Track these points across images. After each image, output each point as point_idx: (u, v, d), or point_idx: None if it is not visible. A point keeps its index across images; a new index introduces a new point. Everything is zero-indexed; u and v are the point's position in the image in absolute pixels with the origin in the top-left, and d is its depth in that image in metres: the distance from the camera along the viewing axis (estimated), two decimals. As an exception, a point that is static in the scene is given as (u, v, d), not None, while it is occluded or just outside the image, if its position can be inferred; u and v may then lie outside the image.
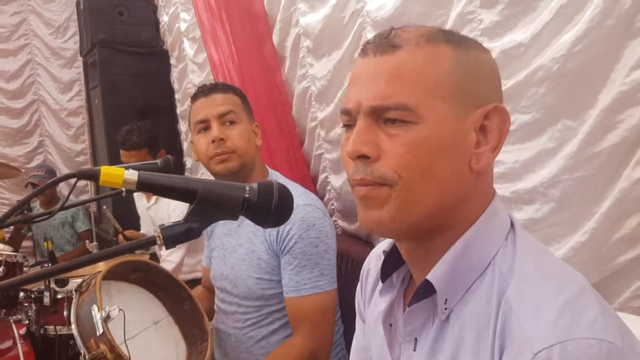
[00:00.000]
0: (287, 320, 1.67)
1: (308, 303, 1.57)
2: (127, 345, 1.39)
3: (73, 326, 1.44)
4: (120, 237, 2.76)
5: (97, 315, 1.39)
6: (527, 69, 1.37)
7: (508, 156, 1.45)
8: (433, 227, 0.73)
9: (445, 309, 0.72)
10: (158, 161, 1.73)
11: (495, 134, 0.72)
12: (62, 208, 1.55)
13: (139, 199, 3.10)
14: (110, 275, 1.64)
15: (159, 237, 0.77)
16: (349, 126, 0.76)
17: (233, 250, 1.72)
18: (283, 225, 1.56)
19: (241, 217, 1.68)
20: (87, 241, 2.71)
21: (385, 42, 0.72)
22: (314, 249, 1.57)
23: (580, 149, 1.27)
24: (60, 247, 4.38)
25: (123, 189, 1.80)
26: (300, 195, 1.64)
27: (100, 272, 1.56)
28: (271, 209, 0.79)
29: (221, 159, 1.63)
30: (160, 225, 0.77)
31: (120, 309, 1.38)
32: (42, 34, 5.01)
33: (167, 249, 0.78)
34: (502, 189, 1.45)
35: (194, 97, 1.70)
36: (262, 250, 1.62)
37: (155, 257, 3.06)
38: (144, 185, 0.79)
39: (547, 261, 0.71)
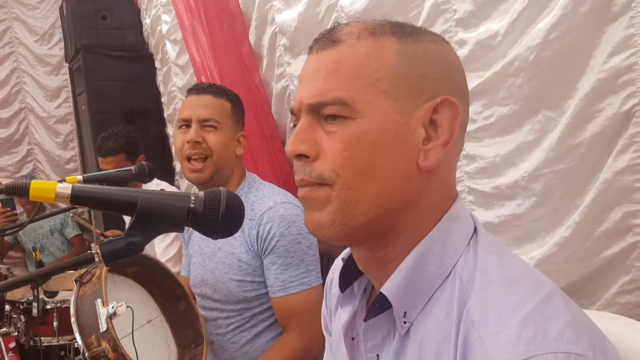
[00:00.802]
0: (270, 322, 1.64)
1: (296, 301, 1.54)
2: (135, 345, 1.31)
3: (72, 319, 1.34)
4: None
5: (102, 310, 1.26)
6: (503, 59, 1.33)
7: (488, 150, 1.41)
8: (380, 231, 0.69)
9: (405, 322, 0.68)
10: (132, 167, 1.69)
11: (446, 128, 0.67)
12: (31, 221, 1.52)
13: None
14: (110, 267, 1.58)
15: (97, 253, 0.72)
16: (295, 125, 0.72)
17: (212, 254, 1.68)
18: (263, 225, 1.53)
19: None
20: (92, 244, 2.65)
21: (327, 38, 0.69)
22: (297, 246, 1.54)
23: (561, 140, 1.23)
24: (52, 254, 4.34)
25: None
26: (277, 194, 1.62)
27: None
28: (218, 219, 0.74)
29: (193, 167, 1.60)
30: (98, 241, 0.72)
31: (128, 306, 1.28)
32: (27, 41, 4.95)
33: (107, 266, 0.74)
34: (482, 184, 1.41)
35: (188, 92, 1.69)
36: (242, 252, 1.59)
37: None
38: (78, 199, 0.74)
39: (511, 267, 0.66)
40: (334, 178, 0.66)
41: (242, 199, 1.60)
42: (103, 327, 1.26)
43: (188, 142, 1.59)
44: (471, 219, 0.72)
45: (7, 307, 2.47)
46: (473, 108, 1.44)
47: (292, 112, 0.72)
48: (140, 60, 4.31)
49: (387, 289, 0.68)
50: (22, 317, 2.57)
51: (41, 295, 2.61)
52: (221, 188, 0.78)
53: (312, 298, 1.55)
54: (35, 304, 2.56)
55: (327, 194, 0.67)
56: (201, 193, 0.76)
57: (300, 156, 0.68)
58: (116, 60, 4.22)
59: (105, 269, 1.41)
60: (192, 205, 0.75)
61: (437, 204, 0.69)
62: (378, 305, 0.69)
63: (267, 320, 1.65)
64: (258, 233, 1.55)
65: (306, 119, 0.69)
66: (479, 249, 0.68)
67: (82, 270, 1.49)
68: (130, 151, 2.85)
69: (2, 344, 2.33)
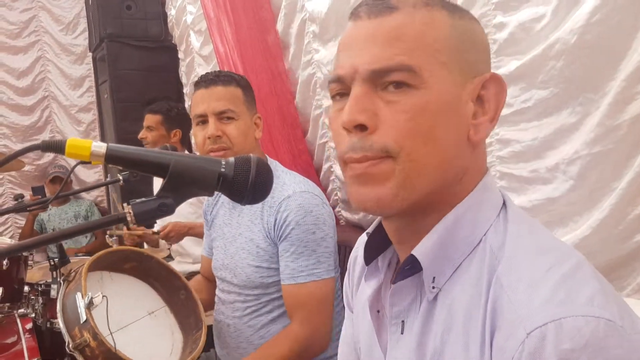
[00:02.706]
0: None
1: (304, 291, 1.53)
2: (112, 333, 1.34)
3: (59, 315, 1.41)
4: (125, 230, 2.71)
5: (80, 301, 1.35)
6: (544, 42, 1.32)
7: (525, 134, 1.40)
8: (431, 203, 0.68)
9: (433, 287, 0.67)
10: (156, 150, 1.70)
11: (493, 104, 0.67)
12: (56, 197, 1.51)
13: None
14: (102, 266, 1.61)
15: (129, 213, 0.70)
16: (341, 95, 0.69)
17: (233, 240, 1.69)
18: (280, 213, 1.53)
19: (240, 207, 1.66)
20: (107, 235, 2.68)
21: (381, 4, 0.66)
22: (311, 236, 1.53)
23: (601, 122, 1.22)
24: (76, 240, 4.39)
25: (120, 177, 1.78)
26: (298, 182, 1.61)
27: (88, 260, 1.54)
28: (248, 185, 0.73)
29: (216, 156, 1.59)
30: (130, 201, 0.71)
31: (104, 296, 1.34)
32: (52, 30, 5.00)
33: (138, 226, 0.72)
34: (517, 169, 1.39)
35: (196, 86, 1.66)
36: (260, 239, 1.60)
37: (171, 257, 3.02)
38: (112, 158, 0.72)
39: (541, 237, 0.66)
40: (397, 150, 0.63)
41: None
42: (83, 317, 1.33)
43: (209, 138, 1.60)
44: (500, 192, 0.72)
45: (26, 289, 2.48)
46: (510, 92, 1.42)
47: (339, 80, 0.68)
48: (163, 51, 4.34)
49: (419, 250, 0.67)
50: (40, 299, 2.59)
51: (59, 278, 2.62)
52: (251, 155, 0.77)
53: (321, 290, 1.54)
54: (54, 286, 2.58)
55: (390, 167, 0.64)
56: (232, 159, 0.75)
57: (358, 127, 0.65)
58: (139, 50, 4.26)
59: (86, 265, 1.47)
60: (222, 170, 0.74)
61: (475, 177, 0.70)
62: (408, 267, 0.69)
63: (284, 307, 1.64)
64: (275, 220, 1.56)
65: (362, 87, 0.65)
66: (509, 219, 0.68)
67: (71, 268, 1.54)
68: (168, 118, 3.02)
69: (20, 324, 2.33)
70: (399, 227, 0.72)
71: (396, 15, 0.65)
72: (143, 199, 0.72)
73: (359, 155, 0.65)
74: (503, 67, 1.43)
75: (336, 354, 1.51)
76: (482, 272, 0.64)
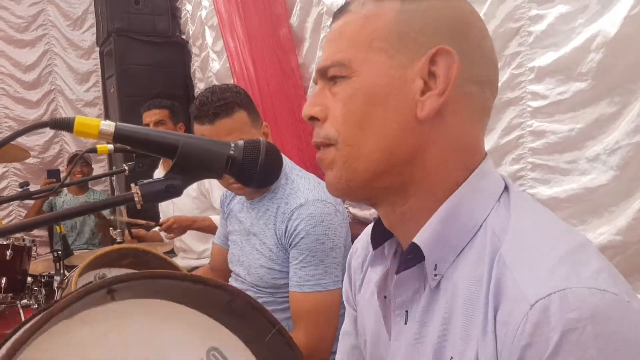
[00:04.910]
0: None
1: (310, 300, 1.51)
2: None
3: None
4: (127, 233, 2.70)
5: None
6: (584, 35, 1.31)
7: (560, 126, 1.39)
8: (391, 186, 0.69)
9: (436, 275, 0.67)
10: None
11: (442, 77, 0.66)
12: (62, 185, 1.51)
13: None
14: (100, 264, 1.59)
15: (137, 194, 0.69)
16: None
17: (248, 238, 1.69)
18: (292, 221, 1.52)
19: (257, 207, 1.65)
20: (110, 228, 2.68)
21: (340, 8, 0.73)
22: (319, 246, 1.51)
23: None
24: (80, 232, 4.41)
25: (126, 167, 1.77)
26: (312, 189, 1.58)
27: (81, 265, 1.51)
28: (257, 168, 0.72)
29: (238, 187, 1.61)
30: (138, 181, 0.70)
31: None
32: (59, 24, 5.01)
33: (146, 206, 0.71)
34: (552, 160, 1.38)
35: (198, 120, 1.59)
36: (272, 244, 1.59)
37: (174, 253, 3.02)
38: (120, 138, 0.71)
39: (545, 219, 0.67)
40: (336, 137, 0.69)
41: (279, 191, 1.60)
42: None
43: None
44: (501, 177, 0.72)
45: (29, 280, 2.48)
46: (545, 84, 1.42)
47: (314, 81, 0.75)
48: (170, 46, 4.35)
49: (420, 239, 0.68)
50: (43, 290, 2.59)
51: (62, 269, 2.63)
52: (260, 138, 0.76)
53: (326, 301, 1.52)
54: (57, 278, 2.58)
55: (333, 154, 0.69)
56: (241, 142, 0.74)
57: (311, 119, 0.71)
58: (147, 45, 4.26)
59: (77, 272, 1.44)
60: (231, 153, 0.73)
61: (450, 158, 0.68)
62: (410, 257, 0.69)
63: None
64: (286, 227, 1.55)
65: (319, 84, 0.72)
66: (511, 203, 0.68)
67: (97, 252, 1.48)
68: (174, 112, 2.98)
69: (22, 315, 2.34)
70: (384, 214, 0.75)
71: (345, 16, 0.71)
72: (150, 179, 0.71)
73: (315, 143, 0.71)
74: (538, 59, 1.42)
75: None
76: (484, 254, 0.64)
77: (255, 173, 0.73)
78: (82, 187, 4.28)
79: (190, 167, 0.72)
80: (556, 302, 0.54)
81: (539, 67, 1.42)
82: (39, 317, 0.73)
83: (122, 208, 2.86)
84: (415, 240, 0.68)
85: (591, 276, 0.56)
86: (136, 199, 0.69)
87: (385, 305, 0.78)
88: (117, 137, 0.71)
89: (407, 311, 0.72)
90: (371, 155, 0.67)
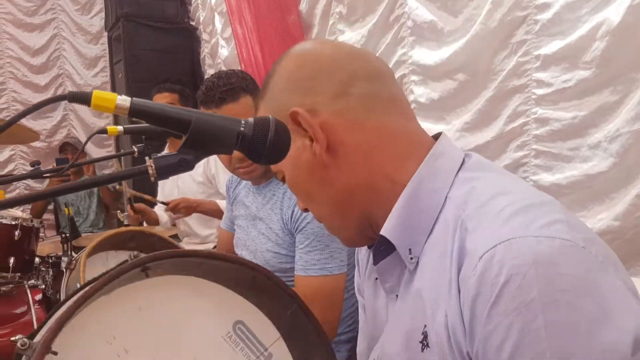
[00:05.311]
0: None
1: (315, 284, 1.53)
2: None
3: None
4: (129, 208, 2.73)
5: None
6: (589, 23, 1.33)
7: (565, 113, 1.41)
8: (360, 221, 0.77)
9: (412, 258, 0.70)
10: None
11: (309, 129, 0.74)
12: (72, 165, 1.53)
13: None
14: (107, 246, 1.62)
15: (151, 167, 0.72)
16: None
17: (254, 223, 1.71)
18: (298, 206, 1.54)
19: (263, 193, 1.67)
20: (118, 211, 2.71)
21: None
22: (325, 231, 1.53)
23: None
24: (86, 216, 4.45)
25: (135, 149, 1.79)
26: None
27: (90, 245, 1.55)
28: (266, 144, 0.74)
29: (245, 171, 1.61)
30: (152, 155, 0.72)
31: None
32: (68, 9, 5.02)
33: (159, 180, 0.74)
34: (555, 147, 1.40)
35: (204, 105, 1.61)
36: (278, 228, 1.61)
37: (177, 237, 3.05)
38: (136, 112, 0.73)
39: (504, 180, 0.69)
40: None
41: None
42: None
43: (232, 158, 1.59)
44: (460, 151, 0.75)
45: (37, 260, 2.51)
46: (551, 72, 1.43)
47: None
48: (178, 32, 4.36)
49: (386, 230, 0.71)
50: (50, 271, 2.62)
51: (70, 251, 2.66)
52: (270, 116, 0.78)
53: (331, 284, 1.54)
54: (64, 259, 2.62)
55: (326, 228, 0.84)
56: (251, 119, 0.76)
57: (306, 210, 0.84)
58: (155, 30, 4.27)
59: (84, 254, 1.47)
60: (242, 129, 0.75)
61: (381, 162, 0.73)
62: (383, 248, 0.74)
63: None
64: (293, 212, 1.57)
65: None
66: (470, 171, 0.71)
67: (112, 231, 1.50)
68: (184, 97, 2.99)
69: (30, 295, 2.37)
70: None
71: None
72: (164, 153, 0.74)
73: None
74: (544, 47, 1.44)
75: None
76: (448, 225, 0.66)
77: (264, 149, 0.75)
78: (78, 174, 4.30)
79: (202, 142, 0.74)
80: (500, 251, 0.56)
81: (545, 55, 1.43)
82: (82, 292, 0.81)
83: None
84: (383, 232, 0.71)
85: (542, 226, 0.57)
86: (150, 171, 0.72)
87: (376, 286, 0.83)
88: (133, 111, 0.73)
89: (397, 295, 0.75)
90: (330, 215, 0.79)
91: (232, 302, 0.98)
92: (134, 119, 0.75)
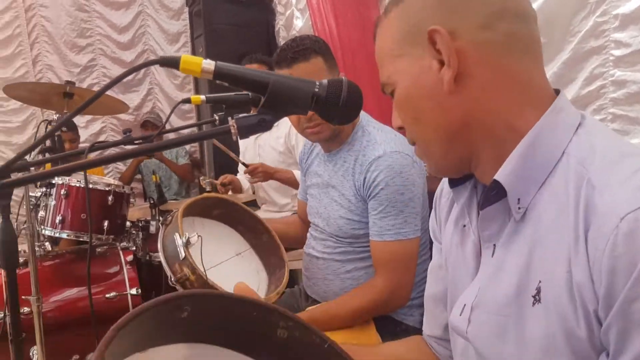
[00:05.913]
0: None
1: (390, 248, 1.57)
2: (205, 270, 1.45)
3: (160, 254, 1.55)
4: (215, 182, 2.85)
5: (179, 241, 1.48)
6: None
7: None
8: (463, 155, 0.77)
9: (519, 208, 0.71)
10: (249, 93, 1.78)
11: (444, 51, 0.72)
12: (160, 133, 1.63)
13: None
14: (194, 212, 1.72)
15: (233, 126, 0.77)
16: None
17: (327, 191, 1.76)
18: (371, 172, 1.57)
19: (334, 160, 1.71)
20: (201, 177, 2.86)
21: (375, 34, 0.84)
22: (399, 197, 1.55)
23: None
24: (168, 186, 4.69)
25: (216, 117, 1.88)
26: (389, 141, 1.61)
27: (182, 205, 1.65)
28: (339, 104, 0.78)
29: (313, 131, 1.65)
30: (234, 115, 0.78)
31: (199, 235, 1.46)
32: (151, -14, 5.23)
33: (240, 139, 0.79)
34: (633, 110, 1.35)
35: (277, 65, 1.66)
36: (351, 195, 1.65)
37: (257, 206, 3.16)
38: (220, 74, 0.79)
39: (624, 144, 0.69)
40: (410, 137, 0.81)
41: (356, 144, 1.65)
42: (182, 255, 1.44)
43: (301, 118, 1.63)
44: (578, 111, 0.74)
45: (128, 224, 2.69)
46: (629, 32, 1.37)
47: None
48: (255, 6, 4.42)
49: (501, 175, 0.71)
50: (140, 234, 2.81)
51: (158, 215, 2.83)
52: (342, 77, 0.81)
53: (406, 249, 1.57)
54: (153, 222, 2.79)
55: (418, 151, 0.82)
56: (325, 80, 0.80)
57: (401, 128, 0.83)
58: (234, 4, 4.36)
59: (181, 209, 1.57)
60: (316, 90, 0.79)
61: (503, 104, 0.72)
62: (493, 193, 0.73)
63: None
64: (365, 179, 1.59)
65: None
66: (590, 132, 0.71)
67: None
68: (270, 69, 3.08)
69: (122, 256, 2.54)
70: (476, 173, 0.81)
71: (376, 38, 0.82)
72: (244, 114, 0.79)
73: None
74: (622, 6, 1.37)
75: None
76: (568, 181, 0.66)
77: (337, 109, 0.79)
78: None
79: (280, 103, 0.79)
80: None
81: (623, 14, 1.36)
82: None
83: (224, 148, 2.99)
84: (497, 177, 0.71)
85: None
86: (232, 130, 0.77)
87: (464, 233, 0.85)
88: (217, 73, 0.79)
89: (495, 245, 0.76)
90: (434, 140, 0.77)
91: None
92: (217, 82, 0.81)
